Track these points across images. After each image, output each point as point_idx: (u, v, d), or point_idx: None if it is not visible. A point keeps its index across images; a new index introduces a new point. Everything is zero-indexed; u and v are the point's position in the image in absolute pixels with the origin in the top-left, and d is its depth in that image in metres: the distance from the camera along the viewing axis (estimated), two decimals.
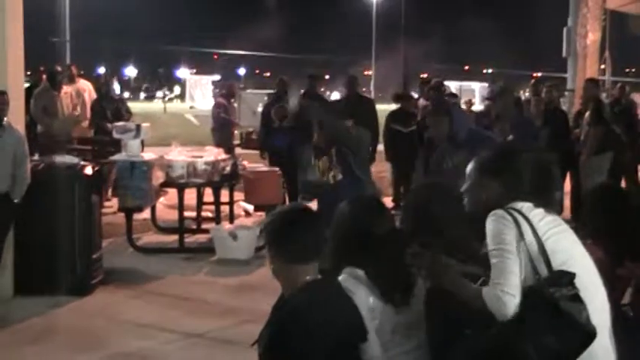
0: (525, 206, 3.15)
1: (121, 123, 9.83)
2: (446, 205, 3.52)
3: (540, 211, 3.15)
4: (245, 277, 7.93)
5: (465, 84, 50.95)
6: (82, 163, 7.74)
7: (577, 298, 2.94)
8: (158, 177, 9.02)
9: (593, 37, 17.30)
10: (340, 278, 3.23)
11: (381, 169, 13.36)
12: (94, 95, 12.37)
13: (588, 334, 2.93)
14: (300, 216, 3.13)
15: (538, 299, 2.95)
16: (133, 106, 15.67)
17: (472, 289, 3.07)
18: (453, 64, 67.63)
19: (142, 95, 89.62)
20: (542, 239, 3.06)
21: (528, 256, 3.03)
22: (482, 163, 3.34)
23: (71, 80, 12.40)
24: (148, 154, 9.09)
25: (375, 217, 3.44)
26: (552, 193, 3.21)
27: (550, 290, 2.95)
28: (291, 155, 9.90)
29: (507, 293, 2.95)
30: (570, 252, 3.13)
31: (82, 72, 13.29)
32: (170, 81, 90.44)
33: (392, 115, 12.06)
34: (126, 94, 52.44)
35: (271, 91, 14.85)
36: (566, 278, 2.98)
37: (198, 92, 64.54)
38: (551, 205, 3.21)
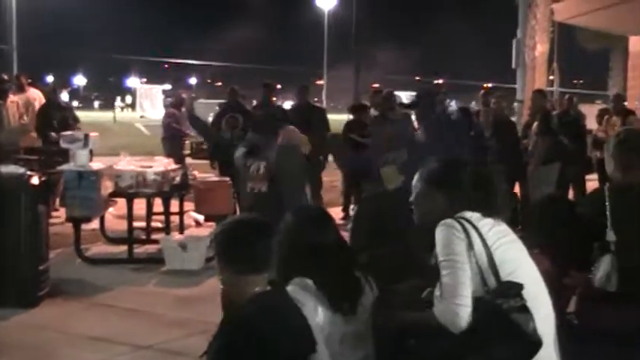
0: (474, 216, 3.17)
1: (68, 132, 9.69)
2: (400, 214, 3.52)
3: (489, 220, 3.17)
4: (195, 288, 7.86)
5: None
6: (29, 173, 7.62)
7: (524, 309, 2.97)
8: (107, 187, 8.92)
9: (541, 48, 17.59)
10: (289, 289, 3.22)
11: (333, 179, 13.39)
12: None
13: (535, 344, 2.96)
14: (251, 227, 3.11)
15: (487, 311, 2.97)
16: (86, 115, 15.48)
17: (425, 315, 3.09)
18: (404, 75, 68.21)
19: (97, 104, 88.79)
20: (491, 249, 3.08)
21: (477, 267, 3.04)
22: (428, 175, 3.36)
23: (20, 89, 12.22)
24: (97, 164, 8.98)
25: (321, 226, 3.46)
26: (495, 206, 3.23)
27: (498, 302, 2.97)
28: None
29: (460, 305, 2.97)
30: (518, 262, 3.15)
31: (30, 80, 13.06)
32: (120, 90, 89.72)
33: (348, 126, 12.13)
34: (75, 103, 51.89)
35: (223, 101, 14.76)
36: (514, 290, 3.00)
37: (147, 102, 64.02)
38: (496, 217, 3.23)
